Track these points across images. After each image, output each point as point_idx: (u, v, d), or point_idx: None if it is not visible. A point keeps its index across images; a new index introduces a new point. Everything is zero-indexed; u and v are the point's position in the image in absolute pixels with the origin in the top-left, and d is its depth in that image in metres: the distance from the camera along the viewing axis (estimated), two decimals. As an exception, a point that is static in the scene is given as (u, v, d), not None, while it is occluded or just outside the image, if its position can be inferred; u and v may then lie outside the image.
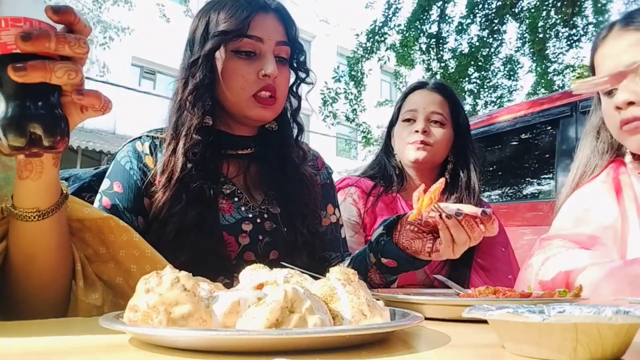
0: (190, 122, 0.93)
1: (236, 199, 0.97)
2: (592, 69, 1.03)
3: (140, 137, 0.98)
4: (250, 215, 0.97)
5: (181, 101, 0.95)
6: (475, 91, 8.25)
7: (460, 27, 7.87)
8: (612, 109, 0.94)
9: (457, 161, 1.38)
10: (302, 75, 1.06)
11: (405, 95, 1.45)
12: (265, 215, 0.99)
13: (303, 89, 1.08)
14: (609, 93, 0.96)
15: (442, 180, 0.84)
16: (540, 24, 7.65)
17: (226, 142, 1.00)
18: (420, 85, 1.44)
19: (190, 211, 0.88)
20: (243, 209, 0.97)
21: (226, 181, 0.99)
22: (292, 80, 1.05)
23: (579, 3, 7.34)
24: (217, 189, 0.94)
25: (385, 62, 7.95)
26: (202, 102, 0.93)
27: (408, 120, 1.39)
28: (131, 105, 10.42)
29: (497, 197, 3.20)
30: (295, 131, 1.08)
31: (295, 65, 1.03)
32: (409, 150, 1.36)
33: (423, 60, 7.93)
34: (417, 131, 1.34)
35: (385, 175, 1.43)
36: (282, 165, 1.02)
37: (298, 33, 1.01)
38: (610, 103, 0.96)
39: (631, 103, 0.90)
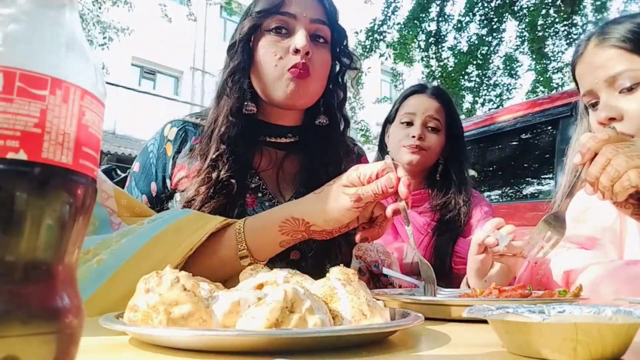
0: (229, 106, 0.91)
1: (260, 195, 0.93)
2: (575, 81, 1.05)
3: (173, 120, 0.98)
4: None
5: (221, 87, 0.93)
6: (474, 89, 8.26)
7: (459, 25, 7.87)
8: (597, 123, 0.95)
9: (448, 164, 1.46)
10: (346, 61, 0.99)
11: (404, 98, 1.50)
12: None
13: (348, 77, 1.01)
14: (593, 106, 0.98)
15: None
16: (540, 22, 7.65)
17: (263, 129, 0.96)
18: (419, 90, 1.49)
19: (215, 203, 0.85)
20: (267, 204, 0.92)
21: (255, 174, 0.94)
22: (337, 69, 0.99)
23: (578, 1, 7.34)
24: (245, 182, 0.91)
25: (386, 58, 7.95)
26: (239, 85, 0.91)
27: (406, 123, 1.44)
28: (131, 105, 10.42)
29: (497, 197, 3.20)
30: (342, 125, 1.01)
31: (337, 50, 0.97)
32: (403, 153, 1.42)
33: (422, 59, 7.94)
34: (413, 136, 1.40)
35: None
36: (325, 162, 0.96)
37: (339, 16, 0.96)
38: (595, 116, 0.96)
39: (612, 119, 0.91)
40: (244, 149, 0.91)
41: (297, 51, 0.87)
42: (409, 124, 1.43)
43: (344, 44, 0.97)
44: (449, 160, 1.46)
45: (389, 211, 0.73)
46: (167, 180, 0.94)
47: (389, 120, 1.53)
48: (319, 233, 0.74)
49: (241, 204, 0.88)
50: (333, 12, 0.94)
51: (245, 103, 0.91)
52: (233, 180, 0.87)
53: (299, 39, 0.87)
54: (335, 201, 0.71)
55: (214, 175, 0.86)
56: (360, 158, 1.12)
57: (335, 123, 0.99)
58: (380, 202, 0.76)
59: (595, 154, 0.71)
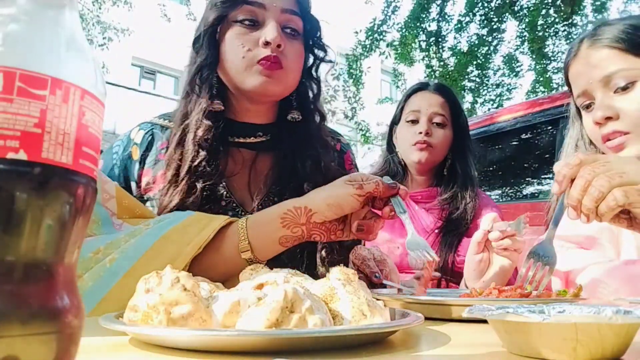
0: (199, 106, 0.86)
1: (223, 203, 0.88)
2: (567, 84, 1.06)
3: (142, 123, 0.95)
4: None
5: (188, 85, 0.89)
6: (475, 89, 8.25)
7: (459, 26, 7.87)
8: (593, 124, 0.95)
9: (455, 159, 1.46)
10: (320, 54, 0.95)
11: (408, 97, 1.51)
12: None
13: (322, 70, 0.97)
14: (587, 107, 0.98)
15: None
16: (540, 22, 7.65)
17: (232, 129, 0.91)
18: (421, 87, 1.51)
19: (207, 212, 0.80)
20: (230, 214, 0.86)
21: (220, 181, 0.88)
22: (310, 61, 0.95)
23: (578, 1, 7.33)
24: (214, 190, 0.86)
25: (386, 57, 7.95)
26: (209, 83, 0.86)
27: (412, 121, 1.45)
28: (131, 105, 10.41)
29: (497, 197, 3.20)
30: (317, 120, 0.96)
31: (311, 43, 0.93)
32: (412, 152, 1.43)
33: (422, 58, 7.94)
34: (420, 132, 1.40)
35: (389, 171, 1.50)
36: (301, 159, 0.92)
37: (311, 6, 0.91)
38: (589, 117, 0.97)
39: (609, 118, 0.92)
40: (222, 153, 0.87)
41: (267, 44, 0.82)
42: (415, 121, 1.44)
43: (318, 35, 0.93)
44: (455, 154, 1.46)
45: (386, 210, 0.75)
46: (132, 183, 0.89)
47: (394, 122, 1.54)
48: (318, 228, 0.74)
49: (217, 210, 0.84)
50: (305, 1, 0.89)
51: (216, 101, 0.86)
52: (216, 186, 0.85)
53: (270, 30, 0.82)
54: (338, 188, 0.73)
55: (199, 185, 0.82)
56: (343, 156, 1.06)
57: (309, 118, 0.95)
58: (372, 210, 0.77)
59: (573, 179, 0.70)
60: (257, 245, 0.73)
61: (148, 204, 0.88)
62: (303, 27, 0.89)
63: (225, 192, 0.88)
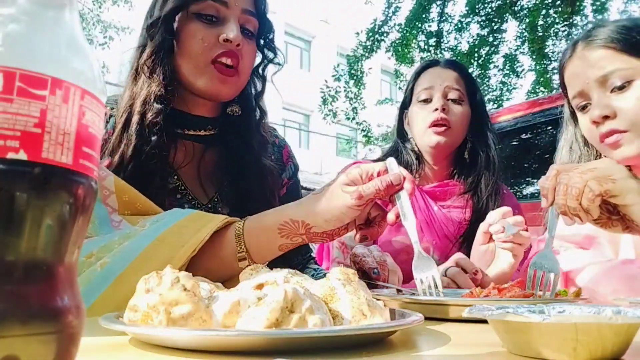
0: (149, 89, 0.85)
1: (179, 196, 0.88)
2: (562, 87, 1.06)
3: None
4: None
5: (138, 68, 0.87)
6: (476, 90, 8.26)
7: (460, 26, 7.87)
8: (590, 123, 0.96)
9: (475, 140, 1.29)
10: (270, 55, 0.98)
11: (417, 75, 1.33)
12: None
13: (269, 71, 1.00)
14: (583, 108, 0.99)
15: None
16: (540, 22, 7.65)
17: (182, 121, 0.91)
18: (432, 63, 1.34)
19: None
20: (186, 206, 0.87)
21: (172, 172, 0.89)
22: (258, 60, 0.98)
23: (578, 2, 7.34)
24: (166, 182, 0.86)
25: (389, 57, 7.95)
26: (162, 67, 0.86)
27: (424, 100, 1.27)
28: (131, 104, 10.39)
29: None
30: (257, 115, 0.99)
31: (262, 43, 0.96)
32: (429, 135, 1.24)
33: (422, 59, 7.94)
34: (436, 109, 1.23)
35: (401, 160, 1.30)
36: (241, 154, 0.94)
37: (268, 9, 0.94)
38: (586, 118, 0.98)
39: (606, 117, 0.93)
40: (164, 142, 0.85)
41: (227, 41, 0.85)
42: (428, 100, 1.26)
43: (270, 37, 0.96)
44: (475, 136, 1.29)
45: (390, 217, 0.71)
46: None
47: (405, 106, 1.35)
48: (319, 236, 0.72)
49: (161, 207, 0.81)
50: (262, 3, 0.92)
51: (168, 88, 0.85)
52: (158, 179, 0.83)
53: (231, 29, 0.85)
54: (336, 200, 0.69)
55: (135, 171, 0.81)
56: (282, 150, 1.08)
57: (250, 113, 0.97)
58: (377, 203, 0.74)
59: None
60: (254, 251, 0.72)
61: None
62: (258, 28, 0.93)
63: (180, 184, 0.89)
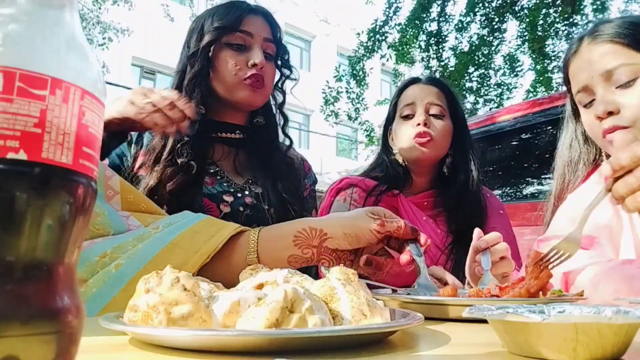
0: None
1: (219, 177, 1.08)
2: (566, 82, 1.06)
3: None
4: (232, 190, 1.07)
5: (182, 89, 1.07)
6: (475, 89, 8.24)
7: (460, 26, 7.87)
8: (593, 119, 0.96)
9: (456, 154, 1.36)
10: (286, 72, 1.20)
11: (400, 92, 1.41)
12: (247, 192, 1.08)
13: (287, 85, 1.23)
14: (587, 104, 0.99)
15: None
16: (540, 22, 7.65)
17: (215, 127, 1.13)
18: (414, 80, 1.42)
19: (180, 178, 0.99)
20: (225, 184, 1.07)
21: (212, 162, 1.09)
22: (277, 77, 1.19)
23: (578, 2, 7.34)
24: (203, 167, 1.05)
25: (387, 60, 7.95)
26: (199, 89, 1.07)
27: (407, 116, 1.35)
28: (131, 104, 10.38)
29: (497, 197, 3.20)
30: (281, 121, 1.21)
31: (280, 63, 1.17)
32: (412, 148, 1.31)
33: (422, 59, 7.94)
34: (418, 124, 1.30)
35: (388, 174, 1.37)
36: (269, 151, 1.15)
37: (282, 35, 1.16)
38: (589, 114, 0.98)
39: (610, 112, 0.92)
40: (199, 143, 1.06)
41: (254, 65, 1.07)
42: (410, 116, 1.34)
43: (286, 58, 1.19)
44: (455, 150, 1.35)
45: (404, 257, 0.74)
46: (125, 160, 1.06)
47: (389, 121, 1.44)
48: (329, 253, 0.74)
49: (200, 182, 1.03)
50: (277, 31, 1.14)
51: (200, 106, 1.05)
52: (193, 163, 1.02)
53: (257, 55, 1.08)
54: (360, 220, 0.74)
55: (180, 160, 1.01)
56: (303, 163, 1.28)
57: (274, 120, 1.21)
58: (385, 248, 0.78)
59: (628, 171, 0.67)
60: (264, 258, 0.73)
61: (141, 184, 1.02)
62: (275, 52, 1.15)
63: (219, 170, 1.09)
